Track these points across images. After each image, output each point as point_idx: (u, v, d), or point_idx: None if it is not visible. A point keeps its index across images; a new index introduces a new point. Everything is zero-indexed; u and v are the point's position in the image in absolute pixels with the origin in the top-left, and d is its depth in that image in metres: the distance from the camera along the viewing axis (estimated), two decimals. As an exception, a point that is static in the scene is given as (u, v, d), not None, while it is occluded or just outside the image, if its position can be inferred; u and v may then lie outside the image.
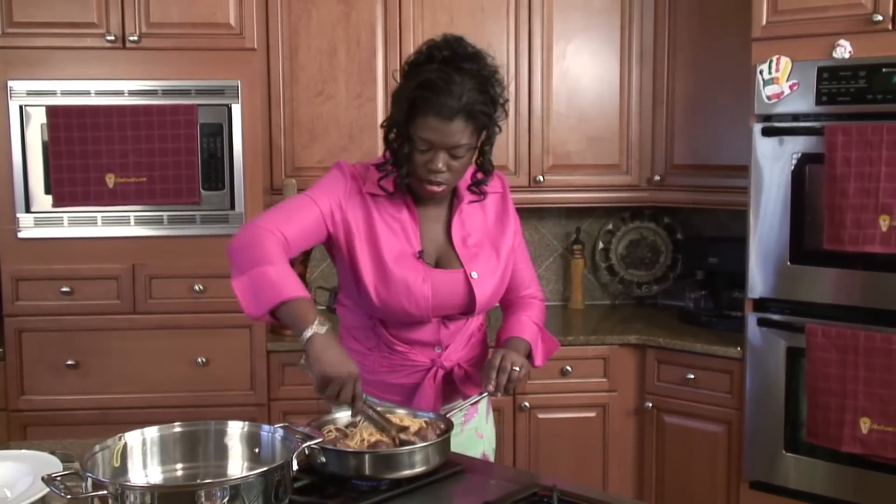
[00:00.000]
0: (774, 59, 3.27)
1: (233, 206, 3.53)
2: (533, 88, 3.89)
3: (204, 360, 3.57)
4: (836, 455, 3.23)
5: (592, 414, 3.75)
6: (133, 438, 1.78)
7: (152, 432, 1.79)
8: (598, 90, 3.96)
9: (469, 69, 2.10)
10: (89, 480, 1.58)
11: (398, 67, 3.72)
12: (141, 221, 3.51)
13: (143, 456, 1.78)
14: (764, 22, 3.34)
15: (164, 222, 3.51)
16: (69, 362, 3.53)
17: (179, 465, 1.81)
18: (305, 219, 2.17)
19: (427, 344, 2.29)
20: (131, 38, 3.44)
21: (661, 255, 4.34)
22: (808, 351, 3.21)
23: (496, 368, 2.20)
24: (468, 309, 2.27)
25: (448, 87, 2.06)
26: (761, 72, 3.30)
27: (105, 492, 1.55)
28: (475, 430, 2.44)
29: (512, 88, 3.84)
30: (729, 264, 3.76)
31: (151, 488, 1.64)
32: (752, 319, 3.41)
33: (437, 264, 2.26)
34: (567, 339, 3.66)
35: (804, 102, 3.23)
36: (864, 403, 3.10)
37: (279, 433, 1.81)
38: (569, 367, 3.68)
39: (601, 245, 4.37)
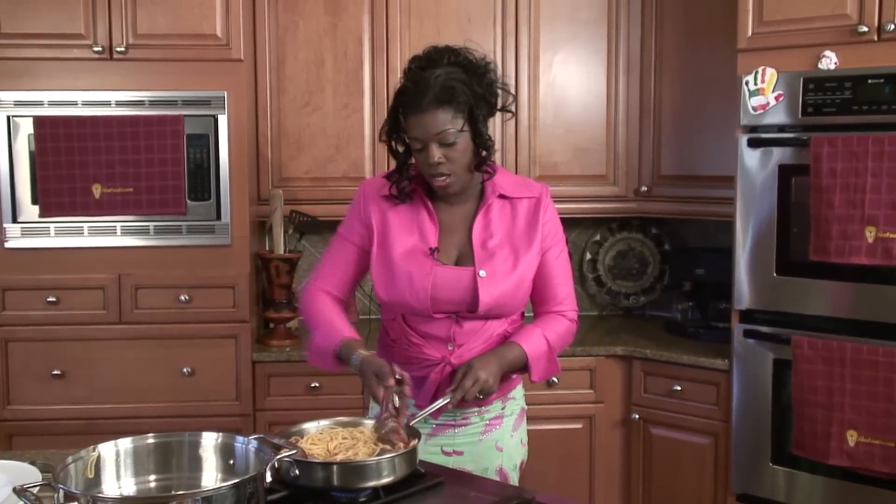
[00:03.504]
0: (760, 70, 3.27)
1: (219, 217, 3.53)
2: (520, 99, 3.89)
3: (189, 370, 3.56)
4: (824, 468, 3.21)
5: (579, 426, 3.74)
6: (107, 450, 1.77)
7: (126, 444, 1.78)
8: (585, 100, 3.96)
9: (440, 64, 2.24)
10: (61, 492, 1.58)
11: (386, 78, 3.81)
12: (127, 232, 3.50)
13: (117, 467, 1.77)
14: (749, 33, 3.34)
15: (151, 232, 3.51)
16: (55, 372, 3.53)
17: (153, 477, 1.80)
18: (343, 258, 2.44)
19: (440, 340, 2.34)
20: (118, 49, 3.44)
21: (648, 266, 4.34)
22: (795, 363, 3.20)
23: (463, 375, 2.23)
24: (473, 307, 2.30)
25: (417, 86, 2.20)
26: (747, 83, 3.30)
27: (76, 503, 1.54)
28: (495, 443, 2.43)
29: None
30: (716, 275, 3.76)
31: (123, 500, 1.64)
32: (738, 331, 3.40)
33: (458, 262, 2.34)
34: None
35: (790, 113, 3.23)
36: (851, 416, 3.09)
37: (253, 445, 1.80)
38: (555, 379, 3.67)
39: (588, 256, 4.37)
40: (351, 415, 2.27)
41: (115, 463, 1.76)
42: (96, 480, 1.74)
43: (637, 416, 3.70)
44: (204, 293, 3.55)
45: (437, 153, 2.22)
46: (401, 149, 2.33)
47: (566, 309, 2.45)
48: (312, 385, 3.60)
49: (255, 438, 1.81)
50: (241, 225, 3.55)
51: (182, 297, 3.54)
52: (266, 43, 3.80)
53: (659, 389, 3.67)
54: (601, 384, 3.74)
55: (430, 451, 2.40)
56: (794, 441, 3.24)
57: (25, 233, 3.47)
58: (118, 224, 3.49)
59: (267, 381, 3.63)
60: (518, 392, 2.51)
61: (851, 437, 3.10)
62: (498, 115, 2.41)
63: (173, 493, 1.70)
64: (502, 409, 2.45)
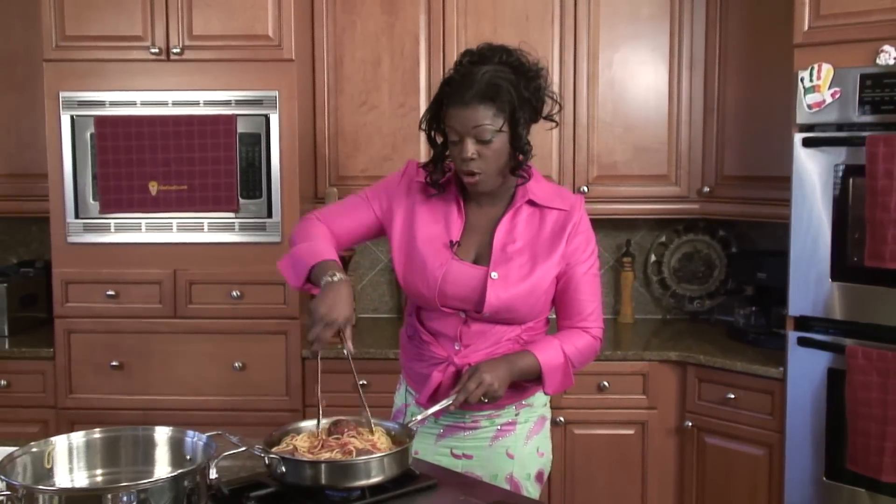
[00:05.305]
0: (816, 66, 3.12)
1: (270, 215, 3.59)
2: (578, 97, 3.82)
3: (241, 364, 3.64)
4: (880, 485, 3.04)
5: (631, 431, 3.64)
6: (60, 443, 1.83)
7: (78, 437, 1.84)
8: (646, 99, 3.86)
9: (491, 61, 2.21)
10: (3, 483, 1.64)
11: (442, 77, 3.79)
12: (182, 228, 3.61)
13: (70, 460, 1.83)
14: (806, 27, 3.19)
15: (204, 229, 3.60)
16: (114, 363, 3.66)
17: (104, 470, 1.85)
18: (355, 213, 2.42)
19: (448, 338, 2.35)
20: (174, 51, 3.54)
21: (714, 270, 4.18)
22: (849, 373, 3.04)
23: (468, 377, 2.21)
24: (479, 307, 2.28)
25: (464, 79, 2.20)
26: (802, 79, 3.15)
27: (9, 493, 1.59)
28: (506, 450, 2.40)
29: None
30: (779, 280, 3.57)
31: (59, 491, 1.68)
32: (792, 338, 3.25)
33: (476, 261, 2.32)
34: (604, 354, 3.53)
35: (846, 111, 3.07)
36: (907, 431, 2.92)
37: (202, 440, 1.82)
38: (606, 383, 3.59)
39: (653, 258, 4.25)
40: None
41: (68, 456, 1.82)
42: (51, 472, 1.80)
43: (690, 424, 3.58)
44: (255, 290, 3.62)
45: (471, 148, 2.20)
46: (439, 139, 2.32)
47: (591, 326, 2.39)
48: (360, 383, 3.62)
49: (207, 435, 1.84)
50: (291, 223, 3.59)
51: (234, 293, 3.62)
52: (324, 43, 3.85)
53: (713, 397, 3.54)
54: (654, 390, 3.63)
55: (439, 453, 2.40)
56: (848, 455, 3.07)
57: (87, 228, 3.62)
58: (174, 221, 3.60)
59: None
60: (537, 400, 2.45)
61: (908, 454, 2.92)
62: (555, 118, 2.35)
63: (109, 486, 1.74)
64: (516, 415, 2.41)
